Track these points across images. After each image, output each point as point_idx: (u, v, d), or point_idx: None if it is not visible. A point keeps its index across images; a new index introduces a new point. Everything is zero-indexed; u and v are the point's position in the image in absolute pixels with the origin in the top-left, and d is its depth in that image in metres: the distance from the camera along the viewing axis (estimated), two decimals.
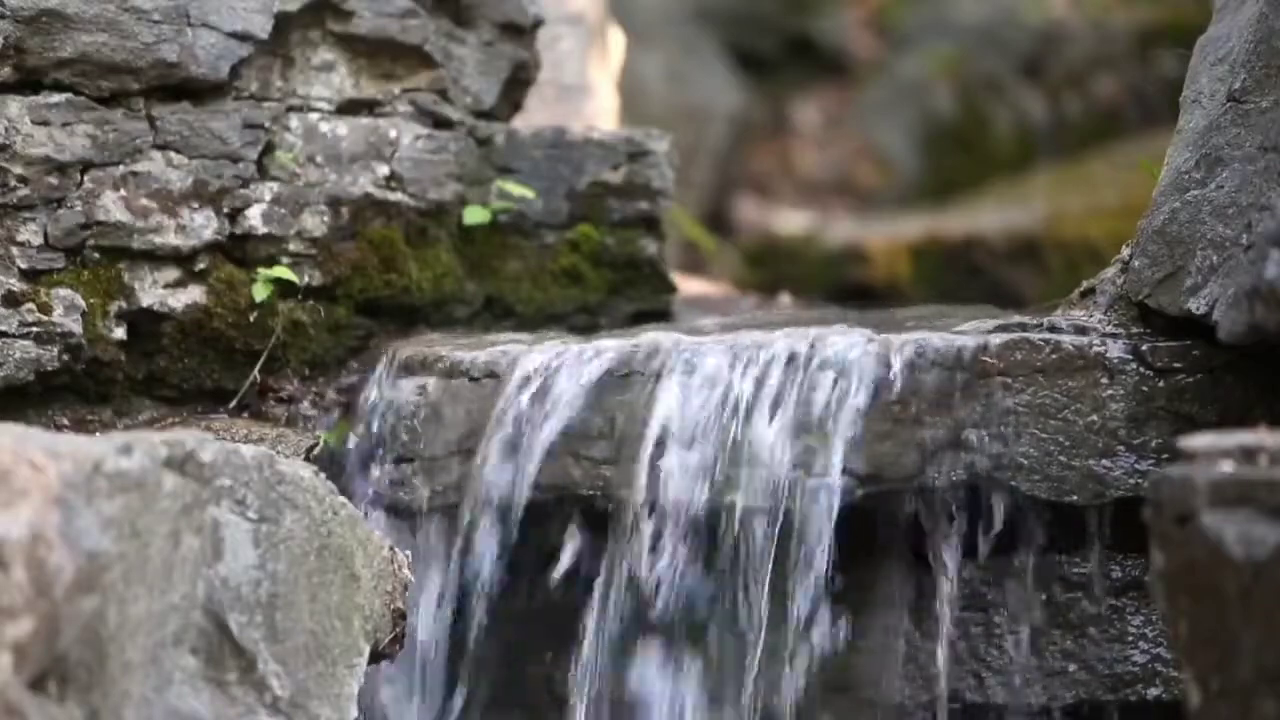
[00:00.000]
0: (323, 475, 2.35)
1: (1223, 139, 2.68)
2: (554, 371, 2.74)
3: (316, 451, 2.83)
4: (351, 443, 2.89)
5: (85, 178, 2.84)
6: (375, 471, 2.83)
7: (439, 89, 3.14)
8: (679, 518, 2.65)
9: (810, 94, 7.42)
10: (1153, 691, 2.62)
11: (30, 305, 2.78)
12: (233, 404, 2.97)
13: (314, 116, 3.04)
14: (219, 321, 2.94)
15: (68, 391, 2.88)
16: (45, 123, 2.81)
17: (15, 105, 2.80)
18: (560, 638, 2.73)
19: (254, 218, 2.97)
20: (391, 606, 2.39)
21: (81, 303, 2.82)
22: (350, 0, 3.04)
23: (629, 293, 3.23)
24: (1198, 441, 1.98)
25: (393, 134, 3.09)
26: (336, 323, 3.04)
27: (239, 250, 2.98)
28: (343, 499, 2.35)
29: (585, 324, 3.20)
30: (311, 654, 2.27)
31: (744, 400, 2.66)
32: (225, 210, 2.94)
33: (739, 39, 7.22)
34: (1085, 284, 2.88)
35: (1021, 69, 7.10)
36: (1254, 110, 2.66)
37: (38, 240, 2.82)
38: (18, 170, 2.80)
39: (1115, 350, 2.66)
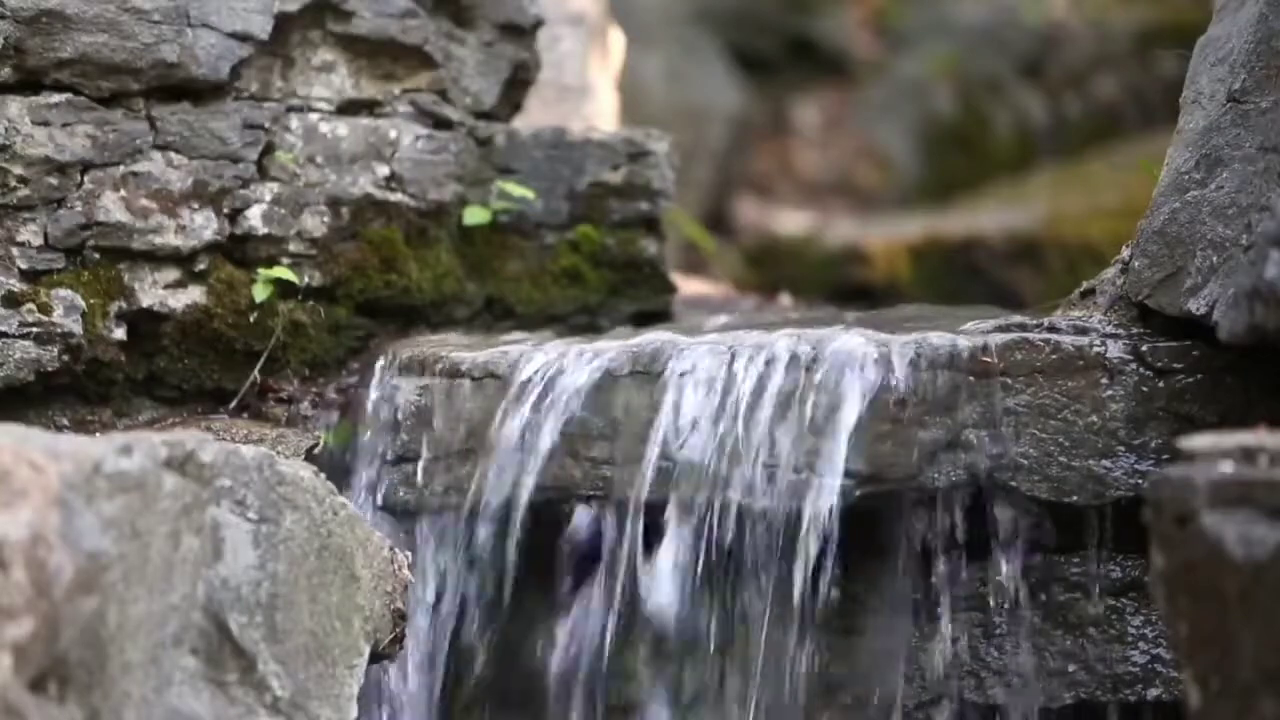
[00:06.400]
0: (323, 475, 2.35)
1: (1223, 139, 2.68)
2: (554, 372, 2.74)
3: (316, 451, 2.83)
4: (351, 443, 2.89)
5: (85, 178, 2.84)
6: (375, 472, 2.83)
7: (439, 89, 3.14)
8: (680, 517, 2.65)
9: (810, 94, 7.42)
10: (1153, 691, 2.62)
11: (30, 305, 2.78)
12: (233, 404, 2.97)
13: (314, 117, 3.04)
14: (219, 322, 2.94)
15: (68, 392, 2.88)
16: (45, 123, 2.81)
17: (15, 105, 2.80)
18: (561, 637, 2.73)
19: (254, 218, 2.97)
20: (391, 607, 2.39)
21: (81, 303, 2.82)
22: (350, 1, 3.04)
23: (629, 293, 3.23)
24: (1198, 442, 1.98)
25: (393, 134, 3.09)
26: (336, 323, 3.04)
27: (239, 251, 2.98)
28: (343, 499, 2.35)
29: (585, 324, 3.20)
30: (311, 654, 2.27)
31: (744, 401, 2.66)
32: (225, 210, 2.94)
33: (739, 39, 7.21)
34: (1085, 284, 2.88)
35: (1021, 69, 7.10)
36: (1254, 111, 2.66)
37: (38, 240, 2.82)
38: (18, 170, 2.80)
39: (1115, 350, 2.66)
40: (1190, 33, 2.95)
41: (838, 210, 6.85)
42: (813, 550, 2.61)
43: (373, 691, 2.70)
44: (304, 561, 2.28)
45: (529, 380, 2.74)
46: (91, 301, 2.84)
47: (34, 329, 2.78)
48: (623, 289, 3.23)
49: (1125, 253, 2.80)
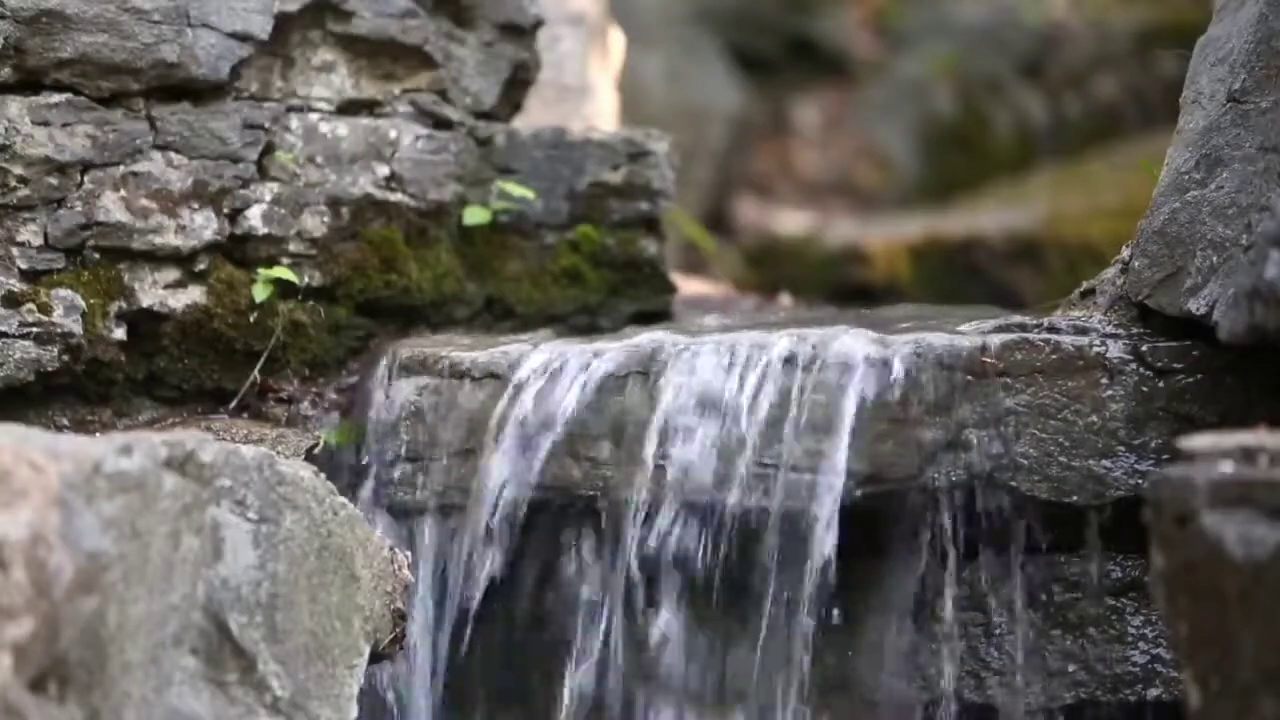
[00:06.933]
0: (323, 475, 2.35)
1: (1223, 139, 2.68)
2: (554, 372, 2.74)
3: (316, 451, 2.83)
4: (351, 443, 2.89)
5: (85, 178, 2.84)
6: (375, 472, 2.83)
7: (439, 89, 3.14)
8: (679, 518, 2.65)
9: (810, 94, 7.42)
10: (1153, 691, 2.62)
11: (30, 305, 2.78)
12: (233, 404, 2.97)
13: (314, 117, 3.04)
14: (219, 322, 2.94)
15: (68, 392, 2.88)
16: (45, 123, 2.81)
17: (15, 105, 2.80)
18: (561, 637, 2.73)
19: (254, 218, 2.97)
20: (391, 607, 2.39)
21: (81, 303, 2.82)
22: (350, 1, 3.04)
23: (629, 293, 3.23)
24: (1198, 442, 1.99)
25: (393, 134, 3.09)
26: (336, 323, 3.04)
27: (239, 251, 2.98)
28: (343, 499, 2.35)
29: (585, 324, 3.20)
30: (311, 654, 2.27)
31: (744, 401, 2.66)
32: (225, 210, 2.94)
33: (739, 39, 7.22)
34: (1085, 284, 2.88)
35: (1021, 69, 7.10)
36: (1254, 111, 2.66)
37: (38, 240, 2.82)
38: (18, 170, 2.80)
39: (1115, 350, 2.66)
40: (1190, 33, 2.95)
41: (838, 210, 6.85)
42: (812, 550, 2.61)
43: (373, 692, 2.71)
44: (304, 561, 2.28)
45: (529, 380, 2.74)
46: (91, 301, 2.84)
47: (34, 329, 2.78)
48: (623, 289, 3.23)
49: (1125, 253, 2.80)
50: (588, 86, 4.22)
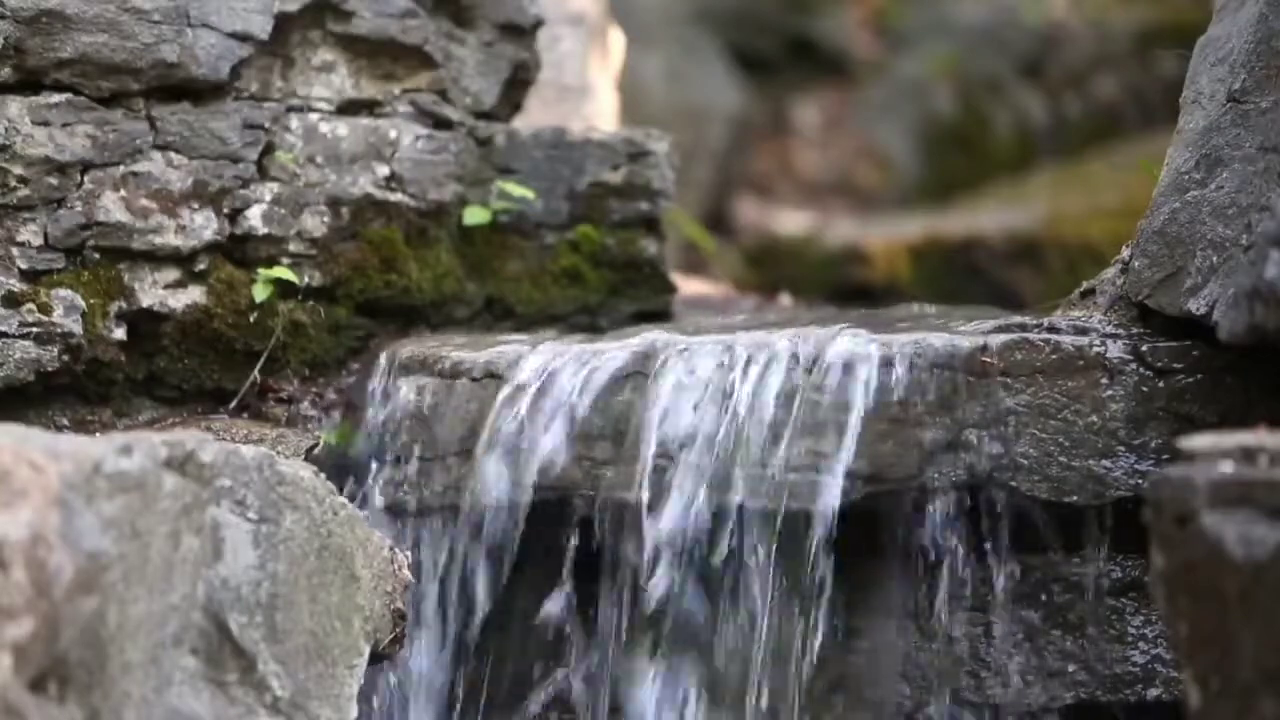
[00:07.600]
0: (323, 475, 2.35)
1: (1223, 139, 2.68)
2: (554, 372, 2.74)
3: (316, 451, 2.83)
4: (351, 443, 2.89)
5: (85, 178, 2.84)
6: (375, 471, 2.83)
7: (439, 89, 3.14)
8: (680, 518, 2.65)
9: (810, 94, 7.42)
10: (1153, 691, 2.62)
11: (30, 305, 2.78)
12: (233, 404, 2.97)
13: (314, 117, 3.04)
14: (219, 322, 2.94)
15: (68, 392, 2.88)
16: (45, 123, 2.81)
17: (15, 105, 2.80)
18: (562, 637, 2.73)
19: (254, 218, 2.97)
20: (391, 607, 2.39)
21: (81, 303, 2.82)
22: (350, 1, 3.04)
23: (629, 293, 3.23)
24: (1198, 442, 1.99)
25: (393, 134, 3.09)
26: (336, 323, 3.04)
27: (239, 251, 2.98)
28: (342, 499, 2.35)
29: (585, 324, 3.20)
30: (311, 654, 2.27)
31: (744, 401, 2.66)
32: (225, 210, 2.94)
33: (739, 39, 7.22)
34: (1085, 284, 2.88)
35: (1021, 69, 7.10)
36: (1254, 111, 2.66)
37: (38, 240, 2.82)
38: (18, 170, 2.80)
39: (1115, 350, 2.66)
40: (1190, 33, 2.95)
41: (838, 210, 6.85)
42: (813, 550, 2.61)
43: (376, 693, 2.71)
44: (304, 561, 2.28)
45: (529, 380, 2.74)
46: (91, 301, 2.84)
47: (34, 329, 2.78)
48: (623, 289, 3.23)
49: (1125, 253, 2.80)
50: (588, 86, 4.22)
